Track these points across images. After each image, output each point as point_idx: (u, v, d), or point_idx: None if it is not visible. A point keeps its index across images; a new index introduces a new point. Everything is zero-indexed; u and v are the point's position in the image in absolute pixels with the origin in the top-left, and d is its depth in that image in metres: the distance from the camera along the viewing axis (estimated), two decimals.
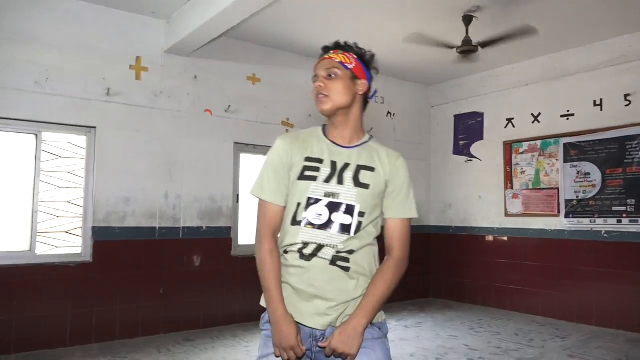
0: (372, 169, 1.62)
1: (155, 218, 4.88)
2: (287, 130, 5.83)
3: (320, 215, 1.56)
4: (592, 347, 4.57)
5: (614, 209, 5.27)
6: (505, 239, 6.32)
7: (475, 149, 6.76)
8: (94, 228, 4.56)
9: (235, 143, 5.47)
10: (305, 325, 1.56)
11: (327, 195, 1.58)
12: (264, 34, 5.36)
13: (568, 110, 5.76)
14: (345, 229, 1.56)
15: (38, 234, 4.38)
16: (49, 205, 4.47)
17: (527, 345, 4.64)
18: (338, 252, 1.56)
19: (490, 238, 6.47)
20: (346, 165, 1.61)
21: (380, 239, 1.68)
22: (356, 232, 1.57)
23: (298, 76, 5.97)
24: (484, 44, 4.72)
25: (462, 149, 6.93)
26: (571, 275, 5.61)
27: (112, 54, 4.74)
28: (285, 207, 1.63)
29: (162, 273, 4.88)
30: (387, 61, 6.09)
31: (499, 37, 4.64)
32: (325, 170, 1.60)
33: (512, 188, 6.29)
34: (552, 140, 5.90)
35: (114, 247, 4.64)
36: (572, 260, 5.62)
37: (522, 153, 6.21)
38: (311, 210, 1.57)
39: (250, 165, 5.67)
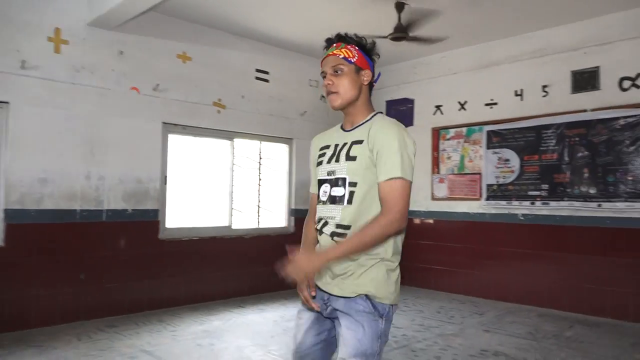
0: (360, 142, 1.76)
1: (76, 200, 4.65)
2: (218, 112, 5.71)
3: (326, 192, 1.83)
4: (506, 322, 4.88)
5: (529, 193, 5.61)
6: (432, 221, 6.57)
7: None
8: (6, 210, 4.27)
9: (163, 123, 5.29)
10: (319, 288, 1.84)
11: (329, 173, 1.83)
12: (195, 11, 5.19)
13: (492, 99, 6.04)
14: (339, 200, 1.76)
15: None
16: None
17: (448, 322, 4.88)
18: (337, 225, 1.76)
19: (417, 221, 6.71)
20: (344, 145, 1.81)
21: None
22: (349, 201, 1.73)
23: (231, 56, 5.85)
24: (407, 27, 4.83)
25: None
26: (491, 256, 5.94)
27: (28, 24, 4.41)
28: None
29: (83, 257, 4.67)
30: (322, 45, 6.07)
31: (415, 37, 4.83)
32: (328, 153, 1.86)
33: (438, 173, 6.53)
34: (476, 128, 6.17)
35: (30, 230, 4.38)
36: (491, 241, 5.95)
37: (448, 139, 6.46)
38: (321, 190, 1.86)
39: (180, 146, 5.51)
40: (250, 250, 5.89)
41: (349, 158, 1.76)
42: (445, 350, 3.96)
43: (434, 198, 6.55)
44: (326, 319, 1.87)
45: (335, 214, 1.77)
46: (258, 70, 6.13)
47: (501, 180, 5.85)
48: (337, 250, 1.65)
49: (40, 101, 4.47)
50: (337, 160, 1.80)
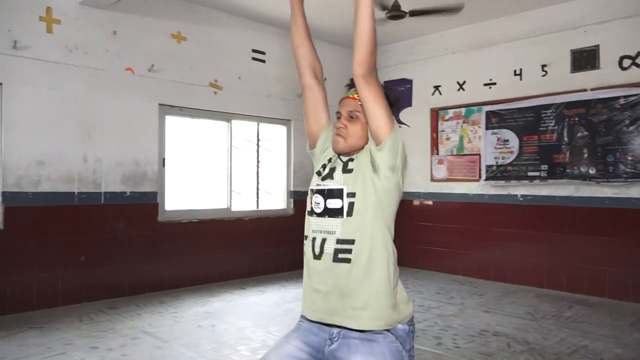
0: (354, 159, 1.70)
1: (73, 182, 4.61)
2: (214, 93, 5.64)
3: (319, 203, 1.68)
4: (505, 302, 4.91)
5: (529, 173, 5.60)
6: (431, 203, 6.57)
7: (403, 115, 6.89)
8: (4, 193, 4.24)
9: (160, 104, 5.22)
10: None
11: (323, 184, 1.70)
12: None
13: (490, 79, 5.99)
14: (338, 212, 1.63)
15: None
16: None
17: (448, 302, 4.91)
18: (338, 240, 1.61)
19: (416, 202, 6.71)
20: (339, 166, 1.72)
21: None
22: (349, 214, 1.60)
23: (227, 36, 5.76)
24: (413, 13, 4.74)
25: None
26: (489, 237, 5.95)
27: (19, 3, 4.32)
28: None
29: (83, 240, 4.65)
30: (318, 25, 6.01)
31: (427, 10, 4.68)
32: (327, 169, 1.74)
33: (437, 154, 6.51)
34: (475, 108, 6.13)
35: (28, 213, 4.34)
36: (490, 222, 5.96)
37: (447, 120, 6.42)
38: (313, 200, 1.70)
39: (177, 127, 5.46)
40: (250, 232, 5.88)
41: (346, 171, 1.67)
42: (446, 330, 3.98)
43: (433, 179, 6.54)
44: None
45: (334, 228, 1.62)
46: (254, 51, 6.05)
47: (500, 161, 5.84)
48: None
49: (34, 82, 4.40)
50: (331, 178, 1.69)
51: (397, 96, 1.79)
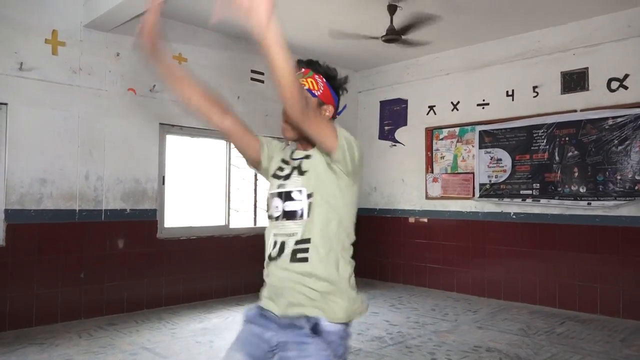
0: (309, 156, 1.69)
1: (75, 200, 4.70)
2: None
3: (277, 207, 1.68)
4: (499, 319, 4.99)
5: (521, 192, 5.72)
6: (426, 220, 6.67)
7: (399, 134, 7.03)
8: (6, 211, 4.32)
9: (160, 124, 5.34)
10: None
11: (279, 187, 1.71)
12: (190, 13, 5.24)
13: (484, 100, 6.14)
14: (298, 215, 1.63)
15: None
16: None
17: (442, 319, 4.98)
18: (296, 241, 1.61)
19: (411, 220, 6.80)
20: (294, 167, 1.71)
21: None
22: (308, 214, 1.61)
23: (226, 57, 5.91)
24: (402, 31, 4.91)
25: (387, 134, 7.19)
26: (483, 254, 6.05)
27: (26, 26, 4.46)
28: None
29: (83, 257, 4.72)
30: (315, 46, 6.17)
31: (410, 24, 4.87)
32: (285, 171, 1.73)
33: (432, 172, 6.63)
34: (469, 128, 6.27)
35: (30, 230, 4.43)
36: (484, 239, 6.05)
37: (442, 139, 6.55)
38: (272, 205, 1.70)
39: (177, 146, 5.57)
40: (248, 249, 5.95)
41: (301, 173, 1.68)
42: (440, 346, 4.05)
43: (427, 197, 6.65)
44: None
45: (295, 230, 1.62)
46: (253, 71, 6.20)
47: (493, 180, 5.96)
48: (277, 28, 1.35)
49: (39, 102, 4.52)
50: (288, 179, 1.70)
51: (341, 83, 1.76)
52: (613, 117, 5.07)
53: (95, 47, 4.88)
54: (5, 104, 4.37)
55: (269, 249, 1.68)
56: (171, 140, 5.52)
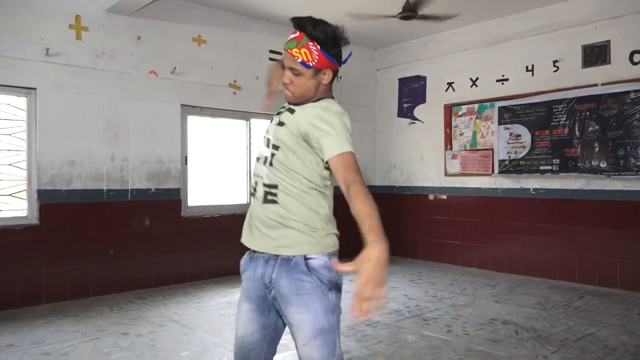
0: (292, 111, 1.78)
1: (102, 180, 4.89)
2: (234, 93, 5.87)
3: (260, 150, 1.85)
4: (516, 293, 5.04)
5: (541, 167, 5.70)
6: (445, 197, 6.71)
7: (418, 111, 7.03)
8: (39, 191, 4.54)
9: (182, 105, 5.47)
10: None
11: (265, 137, 1.85)
12: None
13: (503, 75, 6.09)
14: (264, 160, 1.78)
15: None
16: None
17: (460, 293, 5.06)
18: (264, 184, 1.75)
19: (430, 197, 6.85)
20: (280, 113, 1.84)
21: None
22: (271, 164, 1.74)
23: (244, 38, 5.98)
24: (416, 6, 4.90)
25: (405, 111, 7.20)
26: (503, 229, 6.07)
27: (50, 12, 4.60)
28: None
29: (111, 234, 4.93)
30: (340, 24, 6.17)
31: (427, 16, 4.88)
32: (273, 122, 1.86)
33: (451, 149, 6.64)
34: (488, 104, 6.24)
35: (61, 209, 4.64)
36: (503, 215, 6.08)
37: (460, 116, 6.54)
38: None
39: (198, 127, 5.71)
40: None
41: (280, 123, 1.77)
42: (456, 319, 4.15)
43: (446, 174, 6.67)
44: (270, 310, 1.79)
45: (262, 174, 1.76)
46: (272, 51, 6.25)
47: (513, 156, 5.95)
48: (378, 228, 1.46)
49: (65, 86, 4.68)
50: (272, 122, 1.85)
51: (337, 42, 1.75)
52: (635, 91, 4.99)
53: (117, 31, 5.01)
54: (34, 88, 4.54)
55: (252, 186, 1.84)
56: (192, 121, 5.65)
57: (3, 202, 4.46)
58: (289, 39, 1.73)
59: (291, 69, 1.72)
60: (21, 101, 4.55)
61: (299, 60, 1.69)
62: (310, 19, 1.70)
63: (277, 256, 1.72)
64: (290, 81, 1.74)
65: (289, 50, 1.70)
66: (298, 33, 1.70)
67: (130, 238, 5.05)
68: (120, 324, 3.98)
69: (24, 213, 4.53)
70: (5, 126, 4.48)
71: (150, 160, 5.21)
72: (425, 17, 4.99)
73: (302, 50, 1.68)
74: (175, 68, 5.37)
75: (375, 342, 3.58)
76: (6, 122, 4.49)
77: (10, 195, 4.50)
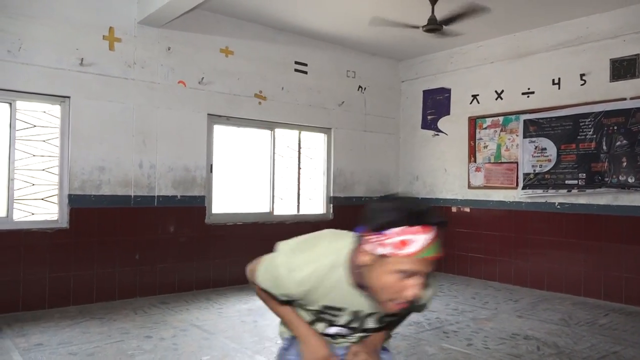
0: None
1: (130, 187, 5.03)
2: (259, 103, 5.97)
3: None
4: (540, 309, 4.97)
5: (567, 182, 5.63)
6: (468, 210, 6.66)
7: (442, 123, 7.02)
8: (69, 196, 4.69)
9: (208, 114, 5.60)
10: None
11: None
12: (236, 6, 5.44)
13: (529, 88, 6.05)
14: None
15: (15, 200, 4.49)
16: (25, 173, 4.58)
17: (482, 307, 5.01)
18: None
19: (453, 209, 6.81)
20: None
21: None
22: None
23: (270, 49, 6.09)
24: (445, 22, 4.92)
25: (429, 123, 7.19)
26: (527, 244, 6.00)
27: (85, 24, 4.79)
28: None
29: (137, 240, 5.05)
30: (359, 36, 6.26)
31: (456, 15, 4.86)
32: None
33: (475, 161, 6.60)
34: (513, 117, 6.20)
35: (90, 214, 4.79)
36: (527, 229, 6.00)
37: (485, 128, 6.51)
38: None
39: (224, 136, 5.83)
40: (291, 235, 6.01)
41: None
42: (477, 333, 4.11)
43: (470, 187, 6.63)
44: None
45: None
46: (297, 63, 6.35)
47: (538, 169, 5.88)
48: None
49: (97, 95, 4.85)
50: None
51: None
52: None
53: (148, 42, 5.17)
54: (68, 97, 4.71)
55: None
56: (218, 130, 5.77)
57: (36, 206, 4.63)
58: (427, 244, 1.36)
59: (427, 274, 1.41)
60: (55, 109, 4.73)
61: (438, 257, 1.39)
62: (433, 211, 1.43)
63: None
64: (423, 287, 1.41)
65: (433, 256, 1.38)
66: (432, 232, 1.38)
67: (155, 243, 5.16)
68: (144, 327, 4.07)
69: (55, 217, 4.69)
70: (40, 133, 4.67)
71: (177, 168, 5.34)
72: (449, 33, 5.00)
73: (441, 247, 1.41)
74: (203, 78, 5.50)
75: (394, 353, 3.58)
76: (41, 129, 4.67)
77: (42, 199, 4.67)
